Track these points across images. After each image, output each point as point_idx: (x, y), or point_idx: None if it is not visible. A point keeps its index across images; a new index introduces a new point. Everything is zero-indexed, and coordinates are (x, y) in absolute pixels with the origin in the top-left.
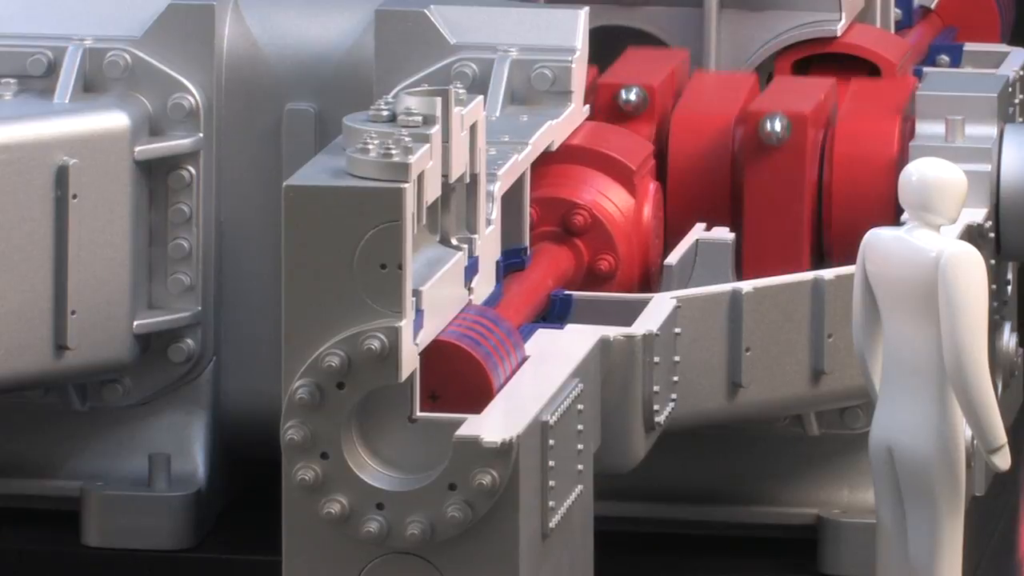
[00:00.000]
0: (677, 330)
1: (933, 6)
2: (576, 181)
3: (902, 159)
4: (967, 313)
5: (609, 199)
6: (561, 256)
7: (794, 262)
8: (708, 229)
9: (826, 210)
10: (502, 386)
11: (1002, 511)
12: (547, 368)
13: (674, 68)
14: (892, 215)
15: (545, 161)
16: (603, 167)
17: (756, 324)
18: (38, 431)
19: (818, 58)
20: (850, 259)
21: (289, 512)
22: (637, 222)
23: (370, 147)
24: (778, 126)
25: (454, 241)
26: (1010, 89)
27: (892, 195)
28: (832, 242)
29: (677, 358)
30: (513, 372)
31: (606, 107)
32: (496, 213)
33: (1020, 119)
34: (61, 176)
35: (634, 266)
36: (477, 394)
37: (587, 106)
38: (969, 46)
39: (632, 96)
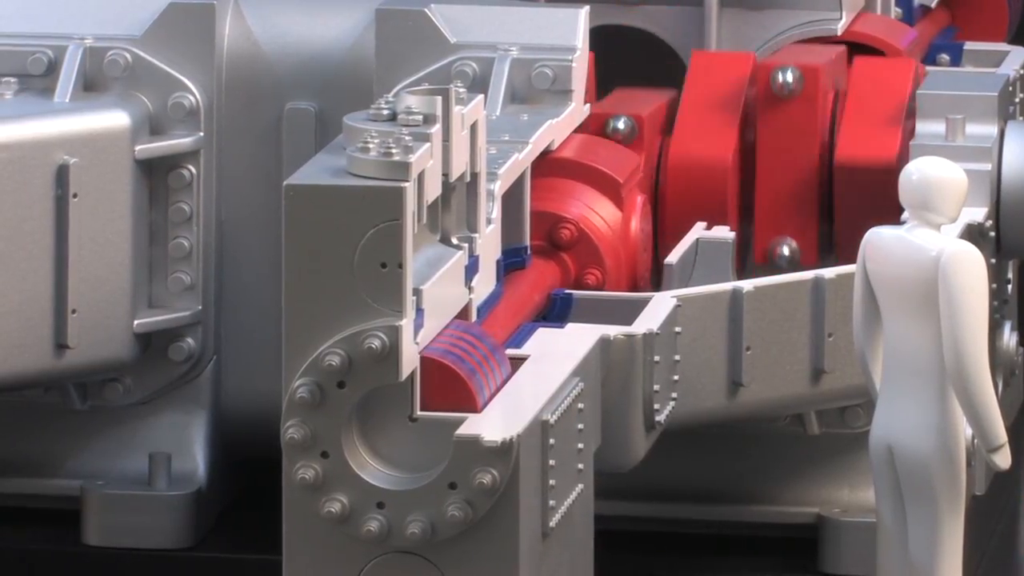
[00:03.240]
0: (677, 329)
1: (933, 5)
2: (563, 195)
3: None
4: (967, 312)
5: (596, 212)
6: (548, 271)
7: (804, 217)
8: (708, 228)
9: (835, 167)
10: (486, 403)
11: (1002, 510)
12: (547, 367)
13: (664, 103)
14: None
15: (532, 174)
16: (590, 180)
17: (756, 323)
18: (38, 430)
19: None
20: (855, 224)
21: (289, 511)
22: (624, 235)
23: (370, 146)
24: (790, 77)
25: (454, 240)
26: (1010, 88)
27: (895, 165)
28: (838, 201)
29: (677, 357)
30: (498, 389)
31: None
32: (496, 212)
33: (1020, 118)
34: (62, 175)
35: (621, 280)
36: (460, 411)
37: (587, 105)
38: (969, 45)
39: (621, 125)
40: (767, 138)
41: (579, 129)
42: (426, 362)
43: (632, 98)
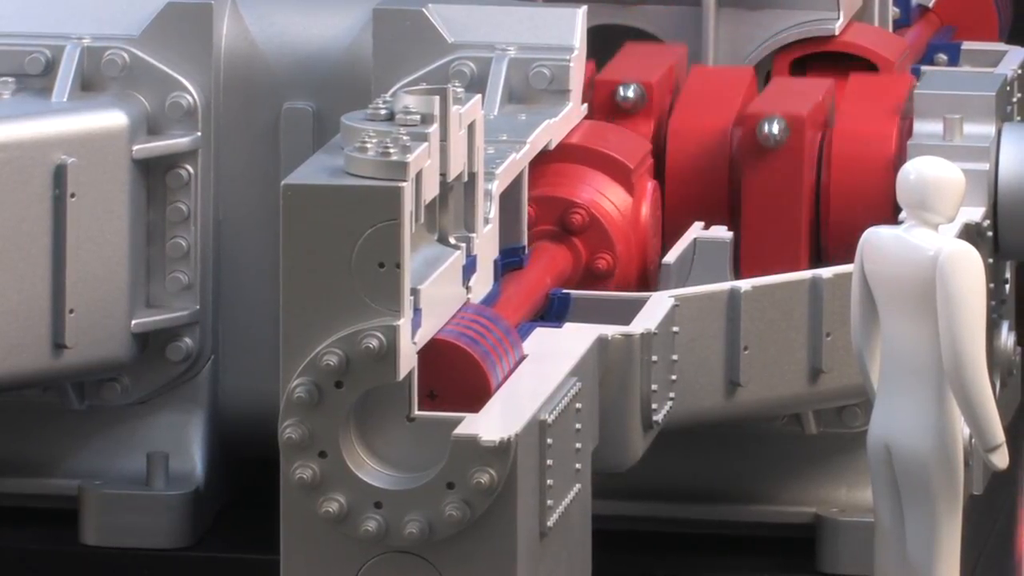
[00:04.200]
0: (675, 329)
1: (931, 5)
2: (574, 180)
3: (900, 160)
4: (965, 312)
5: (607, 198)
6: (559, 255)
7: (792, 264)
8: (706, 228)
9: (824, 212)
10: (500, 385)
11: (1000, 510)
12: (545, 367)
13: (672, 64)
14: (890, 216)
15: (543, 160)
16: (601, 166)
17: (754, 323)
18: (36, 430)
19: (816, 57)
20: (848, 260)
21: (287, 511)
22: (635, 221)
23: (368, 146)
24: (776, 128)
25: (452, 240)
26: (1008, 88)
27: (890, 196)
28: (830, 244)
29: (675, 357)
30: (511, 371)
31: (604, 104)
32: (494, 212)
33: (1018, 118)
34: (59, 175)
35: (632, 265)
36: (475, 393)
37: (585, 104)
38: (967, 45)
39: (630, 93)
40: (753, 188)
41: (587, 96)
42: (440, 344)
43: (640, 59)
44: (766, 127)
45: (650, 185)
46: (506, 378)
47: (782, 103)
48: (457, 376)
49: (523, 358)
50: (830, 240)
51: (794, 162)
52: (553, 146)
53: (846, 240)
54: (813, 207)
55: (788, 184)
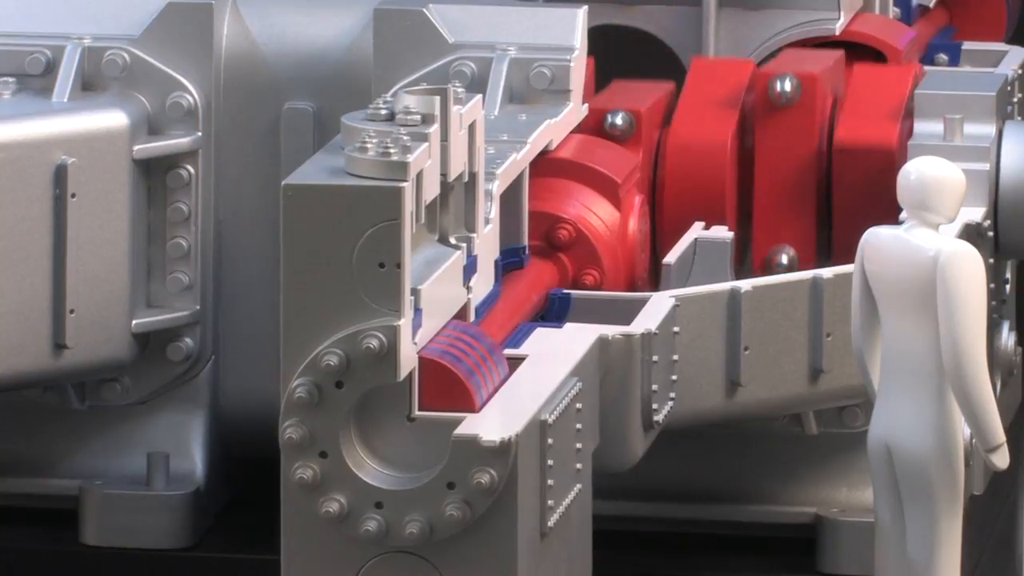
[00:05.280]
0: (676, 329)
1: (931, 5)
2: (561, 195)
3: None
4: (965, 312)
5: (594, 213)
6: (546, 271)
7: (803, 222)
8: (707, 228)
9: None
10: (484, 403)
11: (1000, 510)
12: (546, 367)
13: (661, 96)
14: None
15: (530, 174)
16: (588, 181)
17: (755, 323)
18: (37, 430)
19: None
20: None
21: (288, 511)
22: (622, 236)
23: (368, 146)
24: (788, 86)
25: (453, 240)
26: (1008, 88)
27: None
28: (837, 207)
29: (676, 357)
30: (495, 389)
31: (593, 133)
32: (495, 212)
33: (1018, 118)
34: (60, 175)
35: (619, 280)
36: (458, 411)
37: (586, 105)
38: (967, 45)
39: (619, 120)
40: (765, 146)
41: (576, 125)
42: (423, 362)
43: (630, 91)
44: (778, 85)
45: (638, 200)
46: (490, 396)
47: (794, 65)
48: (441, 394)
49: (507, 377)
50: (838, 202)
51: (806, 119)
52: (554, 146)
53: (852, 203)
54: (825, 167)
55: (800, 141)
